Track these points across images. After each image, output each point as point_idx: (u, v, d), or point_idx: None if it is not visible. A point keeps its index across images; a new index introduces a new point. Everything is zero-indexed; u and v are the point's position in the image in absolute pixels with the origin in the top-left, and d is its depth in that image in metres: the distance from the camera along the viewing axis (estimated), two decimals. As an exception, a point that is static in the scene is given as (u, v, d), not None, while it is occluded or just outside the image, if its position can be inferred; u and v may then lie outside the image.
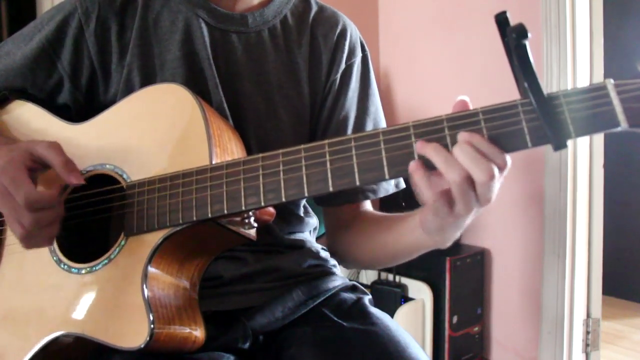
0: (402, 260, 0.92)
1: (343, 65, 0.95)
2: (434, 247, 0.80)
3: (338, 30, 0.95)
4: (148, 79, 0.85)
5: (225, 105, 0.86)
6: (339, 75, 0.95)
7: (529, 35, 0.51)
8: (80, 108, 0.88)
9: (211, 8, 0.87)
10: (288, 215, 0.96)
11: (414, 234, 0.78)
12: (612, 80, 0.53)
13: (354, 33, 0.98)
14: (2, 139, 0.80)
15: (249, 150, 0.87)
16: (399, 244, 0.84)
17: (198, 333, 0.74)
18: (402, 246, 0.84)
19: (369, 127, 0.96)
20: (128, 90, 0.84)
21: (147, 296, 0.68)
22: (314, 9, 0.96)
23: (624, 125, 0.52)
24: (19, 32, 0.90)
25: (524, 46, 0.52)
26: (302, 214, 0.99)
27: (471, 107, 0.61)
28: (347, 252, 0.98)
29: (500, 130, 0.56)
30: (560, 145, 0.54)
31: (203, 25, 0.87)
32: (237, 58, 0.89)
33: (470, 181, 0.59)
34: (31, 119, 0.85)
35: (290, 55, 0.92)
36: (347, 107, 0.95)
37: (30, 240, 0.70)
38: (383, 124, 1.00)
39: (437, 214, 0.64)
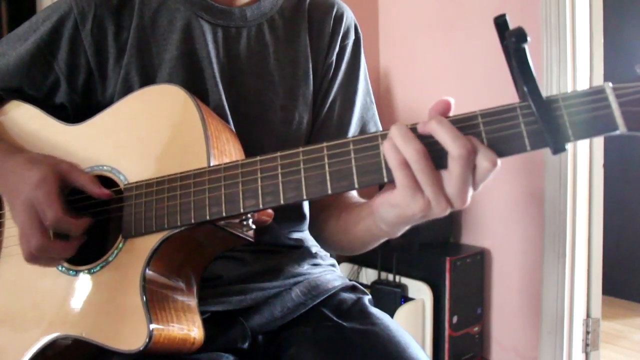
0: (359, 247, 0.89)
1: (337, 48, 0.96)
2: (384, 236, 0.78)
3: (334, 14, 0.96)
4: (147, 79, 0.85)
5: (225, 103, 0.86)
6: (334, 58, 0.95)
7: (529, 39, 0.51)
8: (77, 108, 0.88)
9: (209, 5, 0.87)
10: (290, 212, 0.96)
11: (368, 219, 0.76)
12: (610, 84, 0.53)
13: (349, 15, 0.99)
14: (14, 148, 0.82)
15: (261, 145, 0.87)
16: (356, 228, 0.82)
17: (197, 334, 0.74)
18: (358, 231, 0.82)
19: (357, 109, 0.97)
20: (126, 90, 0.83)
21: (146, 298, 0.68)
22: None
23: (622, 129, 0.52)
24: (14, 32, 0.89)
25: (523, 50, 0.52)
26: (304, 211, 0.99)
27: (453, 107, 0.60)
28: (321, 234, 0.97)
29: (499, 133, 0.56)
30: (559, 149, 0.53)
31: (203, 23, 0.87)
32: (240, 53, 0.89)
33: (473, 163, 0.56)
34: (28, 120, 0.85)
35: (291, 44, 0.92)
36: (337, 89, 0.96)
37: (35, 261, 0.73)
38: (372, 107, 1.00)
39: (399, 201, 0.60)
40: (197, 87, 0.85)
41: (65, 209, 0.71)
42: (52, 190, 0.70)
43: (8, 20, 2.28)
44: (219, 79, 0.86)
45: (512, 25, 0.54)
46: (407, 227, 0.69)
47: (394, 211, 0.63)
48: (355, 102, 0.97)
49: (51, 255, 0.72)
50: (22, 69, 0.86)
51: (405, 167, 0.58)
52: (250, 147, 0.81)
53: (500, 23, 0.53)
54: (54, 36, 0.85)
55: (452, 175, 0.57)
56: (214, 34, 0.87)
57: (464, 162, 0.56)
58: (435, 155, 0.57)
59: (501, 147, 0.56)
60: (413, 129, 0.59)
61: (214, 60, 0.86)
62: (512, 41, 0.51)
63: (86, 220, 0.74)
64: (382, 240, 0.82)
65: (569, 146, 0.54)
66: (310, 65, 0.93)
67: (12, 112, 0.87)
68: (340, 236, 0.90)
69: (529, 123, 0.55)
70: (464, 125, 0.57)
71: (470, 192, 0.58)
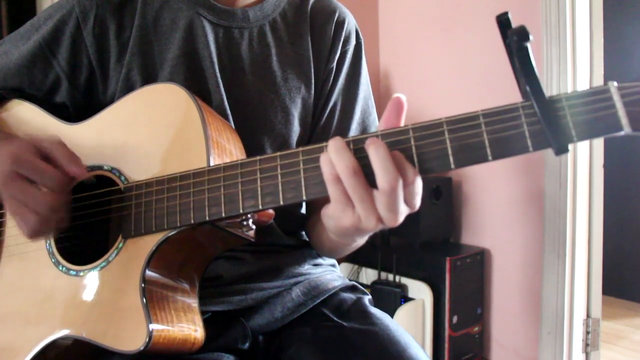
0: (329, 252, 0.94)
1: (338, 53, 0.96)
2: (342, 246, 0.84)
3: (335, 19, 0.96)
4: (148, 78, 0.85)
5: (226, 104, 0.86)
6: (335, 63, 0.95)
7: (531, 37, 0.51)
8: (78, 107, 0.88)
9: (212, 5, 0.87)
10: (291, 212, 0.96)
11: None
12: (615, 83, 0.52)
13: (350, 21, 0.99)
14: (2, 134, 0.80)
15: (262, 145, 0.88)
16: (324, 234, 0.85)
17: (197, 334, 0.74)
18: (325, 238, 0.86)
19: (357, 114, 0.97)
20: (128, 89, 0.83)
21: (146, 299, 0.68)
22: None
23: (627, 130, 0.51)
24: (17, 31, 0.89)
25: (526, 48, 0.51)
26: (303, 212, 0.99)
27: (405, 105, 0.60)
28: (309, 237, 0.98)
29: (501, 133, 0.55)
30: (561, 150, 0.53)
31: (206, 23, 0.86)
32: (242, 54, 0.88)
33: (362, 174, 0.57)
34: (29, 119, 0.85)
35: (293, 47, 0.92)
36: (337, 94, 0.96)
37: (43, 227, 0.69)
38: (373, 112, 1.00)
39: (332, 213, 0.62)
40: (198, 86, 0.84)
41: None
42: (32, 159, 0.67)
43: (8, 21, 2.28)
44: (220, 79, 0.86)
45: (513, 24, 0.53)
46: (357, 236, 0.69)
47: (331, 222, 0.63)
48: (356, 108, 0.97)
49: (59, 206, 0.68)
50: (23, 67, 0.86)
51: (337, 182, 0.58)
52: (251, 148, 0.81)
53: (503, 21, 0.52)
54: (56, 35, 0.85)
55: (380, 197, 0.57)
56: (215, 34, 0.87)
57: (389, 194, 0.56)
58: (370, 172, 0.57)
59: (503, 148, 0.55)
60: (358, 142, 0.59)
61: (215, 60, 0.86)
62: (514, 40, 0.51)
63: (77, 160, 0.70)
64: (350, 249, 0.86)
65: (571, 147, 0.53)
66: (312, 69, 0.93)
67: (13, 110, 0.87)
68: (322, 240, 0.92)
69: (532, 123, 0.54)
70: (466, 125, 0.56)
71: (404, 211, 0.59)
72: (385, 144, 0.57)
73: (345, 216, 0.59)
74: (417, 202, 0.59)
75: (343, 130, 0.95)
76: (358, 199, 0.58)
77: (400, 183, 0.56)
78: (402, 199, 0.57)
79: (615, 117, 0.51)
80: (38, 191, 0.67)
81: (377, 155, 0.57)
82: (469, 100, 2.33)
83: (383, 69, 2.77)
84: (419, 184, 0.58)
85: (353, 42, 0.98)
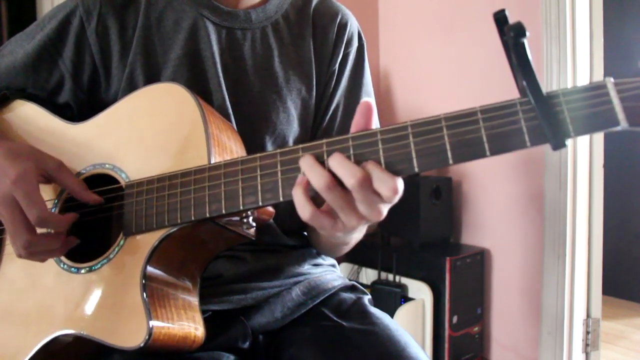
0: (328, 251, 0.97)
1: (341, 56, 0.96)
2: (334, 245, 0.90)
3: (338, 21, 0.96)
4: (151, 78, 0.85)
5: (228, 104, 0.86)
6: (337, 66, 0.96)
7: (527, 33, 0.51)
8: (82, 106, 0.88)
9: (215, 7, 0.88)
10: (289, 214, 0.96)
11: None
12: (611, 79, 0.52)
13: (353, 23, 0.99)
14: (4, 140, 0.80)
15: (263, 145, 0.88)
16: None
17: (197, 332, 0.74)
18: (321, 236, 0.89)
19: None
20: (131, 88, 0.84)
21: (146, 296, 0.68)
22: (314, 0, 0.97)
23: (623, 125, 0.51)
24: (23, 31, 0.90)
25: (523, 44, 0.51)
26: None
27: (375, 111, 0.62)
28: (310, 238, 0.99)
29: (498, 129, 0.55)
30: (559, 145, 0.53)
31: (209, 24, 0.87)
32: (244, 55, 0.89)
33: (337, 186, 0.59)
34: (32, 119, 0.85)
35: (295, 48, 0.93)
36: (339, 96, 0.96)
37: (23, 255, 0.72)
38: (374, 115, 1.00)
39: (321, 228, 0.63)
40: (200, 86, 0.85)
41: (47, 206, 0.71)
42: (31, 188, 0.69)
43: (8, 21, 2.28)
44: (222, 80, 0.86)
45: (512, 21, 0.53)
46: (348, 234, 0.69)
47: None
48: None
49: (39, 250, 0.71)
50: (28, 66, 0.86)
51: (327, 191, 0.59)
52: (252, 148, 0.81)
53: (500, 18, 0.53)
54: (60, 34, 0.86)
55: (355, 194, 0.59)
56: (218, 35, 0.88)
57: (360, 190, 0.58)
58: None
59: (501, 143, 0.55)
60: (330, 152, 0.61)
61: (218, 60, 0.86)
62: (511, 36, 0.51)
63: (70, 216, 0.73)
64: (347, 246, 0.88)
65: (569, 142, 0.54)
66: (314, 71, 0.94)
67: (17, 111, 0.87)
68: (319, 241, 0.93)
69: (529, 119, 0.54)
70: (464, 121, 0.57)
71: (384, 207, 0.60)
72: (339, 151, 0.60)
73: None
74: (387, 192, 0.58)
75: (345, 132, 0.95)
76: (338, 207, 0.60)
77: (364, 176, 0.57)
78: (374, 193, 0.58)
79: (612, 112, 0.52)
80: (22, 225, 0.69)
81: (333, 162, 0.59)
82: (468, 100, 2.32)
83: (383, 69, 2.77)
84: (386, 178, 0.58)
85: (355, 44, 0.98)
